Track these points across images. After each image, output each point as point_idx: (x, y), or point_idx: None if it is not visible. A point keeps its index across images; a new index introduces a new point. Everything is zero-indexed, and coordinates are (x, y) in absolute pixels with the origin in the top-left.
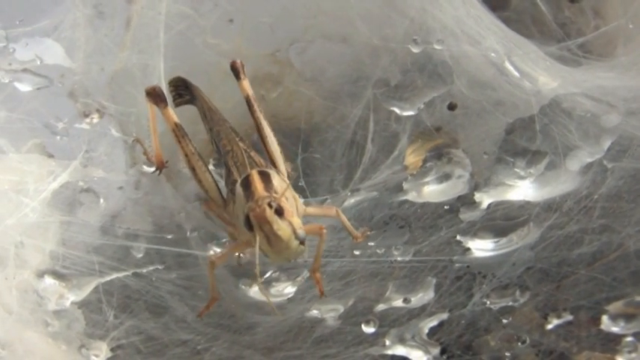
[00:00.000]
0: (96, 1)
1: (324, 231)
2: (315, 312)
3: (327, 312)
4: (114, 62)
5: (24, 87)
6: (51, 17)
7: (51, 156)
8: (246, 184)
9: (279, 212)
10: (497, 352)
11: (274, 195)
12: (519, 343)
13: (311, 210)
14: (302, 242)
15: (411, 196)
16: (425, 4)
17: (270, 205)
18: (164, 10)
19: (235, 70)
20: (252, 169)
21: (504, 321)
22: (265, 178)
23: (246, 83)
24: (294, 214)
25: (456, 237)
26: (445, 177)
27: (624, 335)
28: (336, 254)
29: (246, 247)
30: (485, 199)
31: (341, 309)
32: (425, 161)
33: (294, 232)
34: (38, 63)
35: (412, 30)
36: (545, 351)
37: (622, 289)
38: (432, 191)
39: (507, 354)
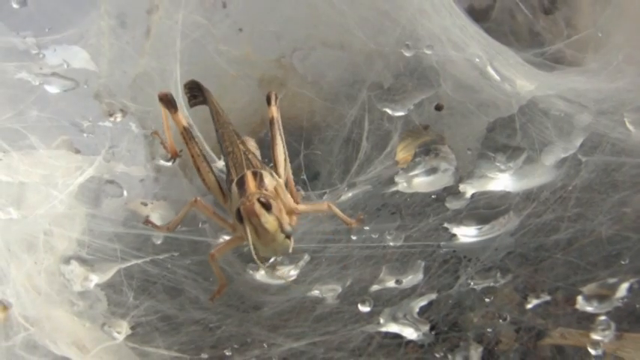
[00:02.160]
0: (119, 12)
1: (328, 205)
2: (316, 292)
3: (327, 292)
4: (135, 67)
5: (53, 89)
6: (78, 26)
7: (78, 151)
8: (241, 183)
9: (267, 207)
10: (480, 328)
11: (264, 192)
12: (501, 321)
13: (303, 207)
14: (288, 236)
15: (402, 187)
16: (415, 14)
17: (259, 201)
18: (180, 20)
19: (268, 99)
20: (247, 170)
21: (487, 300)
22: (258, 177)
23: (274, 109)
24: (282, 210)
25: (443, 224)
26: (432, 170)
27: (598, 314)
28: (334, 239)
29: (242, 242)
30: (469, 190)
31: (339, 289)
32: (414, 156)
33: (281, 226)
34: (66, 67)
35: (403, 38)
36: (525, 328)
37: (595, 272)
38: (420, 182)
39: (490, 330)
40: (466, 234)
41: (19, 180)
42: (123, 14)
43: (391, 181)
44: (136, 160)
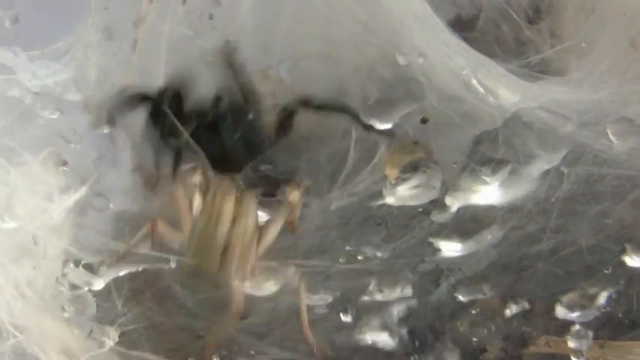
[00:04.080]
0: (106, 25)
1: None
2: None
3: (317, 301)
4: (122, 79)
5: (40, 102)
6: (65, 40)
7: (65, 163)
8: None
9: None
10: (464, 337)
11: None
12: (485, 330)
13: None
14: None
15: (389, 200)
16: (397, 27)
17: None
18: (167, 32)
19: None
20: None
21: (471, 309)
22: None
23: None
24: None
25: (427, 238)
26: (420, 185)
27: (574, 324)
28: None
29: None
30: (454, 204)
31: (330, 299)
32: (402, 172)
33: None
34: (54, 80)
35: (387, 51)
36: (510, 336)
37: (575, 282)
38: (407, 196)
39: (474, 339)
40: (451, 249)
41: (7, 190)
42: (110, 27)
43: (378, 194)
44: (122, 170)
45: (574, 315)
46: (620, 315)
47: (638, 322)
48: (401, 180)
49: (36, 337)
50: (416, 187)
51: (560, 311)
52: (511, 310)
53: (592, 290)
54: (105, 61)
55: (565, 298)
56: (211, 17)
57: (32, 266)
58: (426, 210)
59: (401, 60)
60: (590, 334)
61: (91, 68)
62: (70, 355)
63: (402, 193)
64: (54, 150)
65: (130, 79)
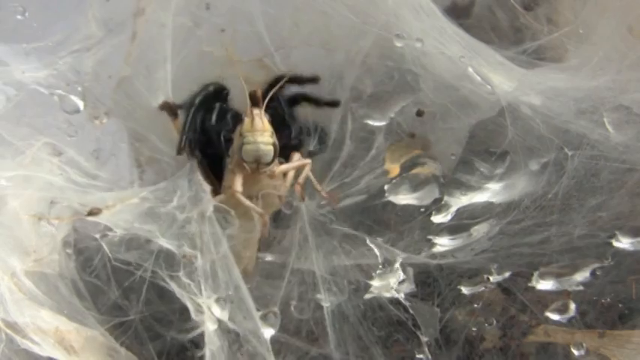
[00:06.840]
0: (105, 17)
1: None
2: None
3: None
4: (120, 70)
5: (38, 92)
6: (63, 32)
7: (61, 154)
8: None
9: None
10: (463, 326)
11: None
12: (483, 319)
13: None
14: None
15: (392, 199)
16: (391, 18)
17: None
18: (166, 23)
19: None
20: None
21: (469, 298)
22: None
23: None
24: None
25: (427, 236)
26: (421, 183)
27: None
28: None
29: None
30: (454, 203)
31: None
32: (402, 170)
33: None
34: (51, 72)
35: (382, 40)
36: (507, 325)
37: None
38: (408, 196)
39: (473, 328)
40: (446, 244)
41: (3, 183)
42: (109, 19)
43: (378, 190)
44: (120, 162)
45: (551, 284)
46: (619, 305)
47: (638, 311)
48: (401, 179)
49: (32, 331)
50: (416, 185)
51: (540, 282)
52: (511, 298)
53: (573, 263)
54: (103, 52)
55: (543, 269)
56: (208, 7)
57: (28, 260)
58: (427, 210)
59: (398, 44)
60: (573, 306)
61: (88, 60)
62: (67, 348)
63: (403, 193)
64: (49, 141)
65: (128, 70)
